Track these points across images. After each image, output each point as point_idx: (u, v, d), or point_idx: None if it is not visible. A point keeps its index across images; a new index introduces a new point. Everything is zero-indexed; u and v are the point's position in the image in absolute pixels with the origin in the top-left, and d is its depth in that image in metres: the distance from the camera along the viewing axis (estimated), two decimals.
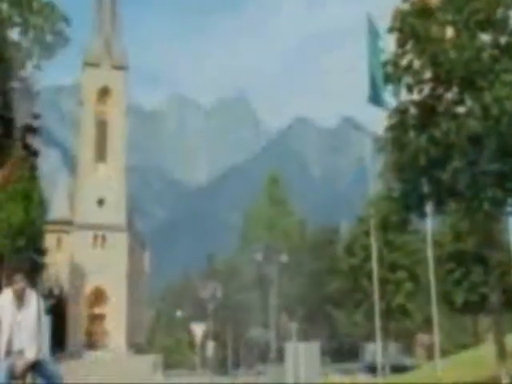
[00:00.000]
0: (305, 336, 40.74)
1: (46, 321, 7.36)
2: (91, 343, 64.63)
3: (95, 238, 67.11)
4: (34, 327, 6.98)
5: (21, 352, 6.89)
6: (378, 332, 22.51)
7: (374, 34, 21.17)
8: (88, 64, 70.76)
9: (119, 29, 73.65)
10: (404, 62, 12.46)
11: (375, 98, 21.12)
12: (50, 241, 59.14)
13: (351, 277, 41.92)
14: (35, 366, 6.93)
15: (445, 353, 66.75)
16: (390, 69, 12.23)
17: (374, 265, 21.84)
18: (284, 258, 28.25)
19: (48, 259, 51.87)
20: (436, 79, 12.27)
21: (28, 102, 52.86)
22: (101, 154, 69.68)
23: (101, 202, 67.56)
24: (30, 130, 54.37)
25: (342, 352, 64.17)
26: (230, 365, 50.91)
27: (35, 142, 54.71)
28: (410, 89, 12.37)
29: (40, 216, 33.98)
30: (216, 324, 40.74)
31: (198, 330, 33.03)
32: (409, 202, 13.21)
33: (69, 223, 67.82)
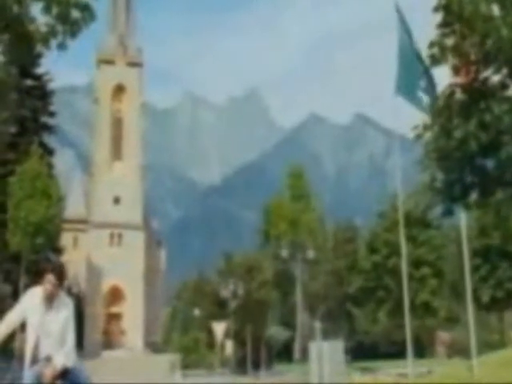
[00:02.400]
0: (325, 334, 39.97)
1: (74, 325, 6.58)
2: (108, 342, 64.25)
3: (111, 236, 66.70)
4: (63, 332, 6.23)
5: (48, 359, 6.14)
6: (408, 330, 21.58)
7: (403, 24, 20.36)
8: (102, 61, 70.31)
9: (134, 25, 73.17)
10: (450, 42, 11.61)
11: (403, 90, 20.33)
12: (66, 240, 58.86)
13: (373, 274, 41.21)
14: (64, 375, 6.19)
15: (467, 350, 65.64)
16: (435, 50, 11.39)
17: (404, 261, 20.96)
18: (311, 254, 27.41)
19: (64, 258, 51.51)
20: (485, 60, 11.42)
21: (43, 100, 52.57)
22: (116, 152, 69.25)
23: (117, 201, 67.14)
24: (46, 128, 54.22)
25: (361, 350, 63.38)
26: (250, 364, 50.27)
27: (51, 140, 54.52)
28: (456, 71, 11.52)
29: (58, 213, 33.45)
30: (236, 323, 40.12)
31: (219, 328, 32.34)
32: (453, 193, 12.39)
33: (85, 222, 67.52)
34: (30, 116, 48.93)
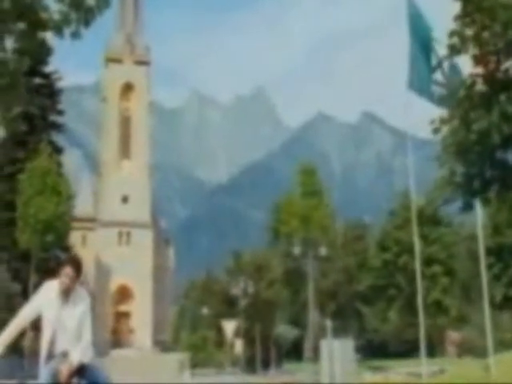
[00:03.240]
0: (334, 333, 39.66)
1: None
2: (117, 341, 64.13)
3: (120, 235, 66.60)
4: (80, 327, 5.98)
5: (64, 355, 5.89)
6: (422, 329, 21.24)
7: (415, 16, 19.98)
8: (110, 60, 70.22)
9: (141, 24, 73.06)
10: (470, 32, 11.33)
11: (416, 84, 20.00)
12: (74, 238, 58.73)
13: (384, 272, 40.90)
14: (81, 371, 5.94)
15: (477, 350, 65.23)
16: (455, 40, 11.11)
17: (417, 260, 20.63)
18: (323, 250, 27.07)
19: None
20: (507, 50, 11.14)
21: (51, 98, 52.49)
22: (125, 151, 69.15)
23: (125, 199, 67.04)
24: (54, 126, 54.16)
25: (370, 349, 63.05)
26: (259, 363, 50.01)
27: (59, 138, 54.43)
28: (477, 61, 11.24)
29: (68, 211, 33.24)
30: (245, 321, 39.90)
31: (229, 327, 32.10)
32: (473, 187, 12.11)
33: (93, 220, 67.41)
34: (38, 114, 48.85)
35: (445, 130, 13.01)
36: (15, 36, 7.60)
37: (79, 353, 5.88)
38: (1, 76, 8.06)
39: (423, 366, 23.23)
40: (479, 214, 19.25)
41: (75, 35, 7.58)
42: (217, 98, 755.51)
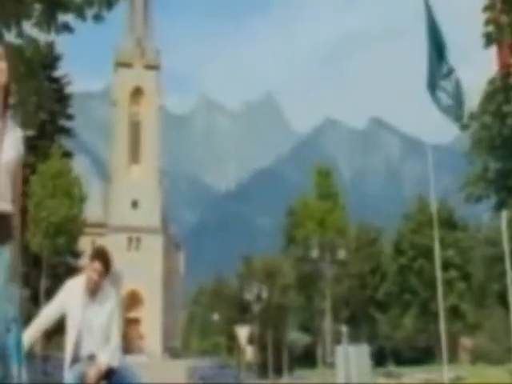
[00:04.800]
0: (347, 339, 39.08)
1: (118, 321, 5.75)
2: (127, 347, 63.59)
3: (130, 240, 66.19)
4: (108, 328, 5.46)
5: (91, 358, 5.38)
6: (443, 336, 20.62)
7: (431, 17, 19.90)
8: (120, 64, 70.01)
9: (151, 28, 72.86)
10: (506, 19, 10.82)
11: (433, 85, 19.71)
12: (84, 244, 58.25)
13: (399, 277, 40.29)
14: (109, 375, 5.42)
15: (490, 356, 64.23)
16: (490, 28, 10.63)
17: (438, 266, 20.04)
18: (342, 254, 26.47)
19: (83, 262, 50.94)
20: None
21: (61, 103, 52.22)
22: (134, 156, 68.83)
23: (135, 204, 66.67)
24: (63, 131, 53.84)
25: (383, 355, 62.37)
26: (271, 369, 49.39)
27: (68, 143, 54.09)
28: None
29: (80, 213, 32.75)
30: (257, 327, 39.34)
31: (243, 332, 31.59)
32: (508, 183, 11.56)
33: (103, 226, 67.03)
34: (48, 119, 48.51)
35: (475, 125, 12.51)
36: (34, 19, 7.15)
37: (107, 356, 5.38)
38: (16, 64, 7.58)
39: (444, 371, 22.69)
40: (504, 218, 18.62)
41: (97, 18, 7.14)
42: (226, 103, 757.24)
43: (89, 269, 5.40)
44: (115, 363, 5.41)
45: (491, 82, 10.83)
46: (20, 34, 7.33)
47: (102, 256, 5.42)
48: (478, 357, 66.58)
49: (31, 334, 5.33)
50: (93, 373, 5.27)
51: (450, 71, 18.10)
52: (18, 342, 3.25)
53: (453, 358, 63.51)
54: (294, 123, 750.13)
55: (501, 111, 10.95)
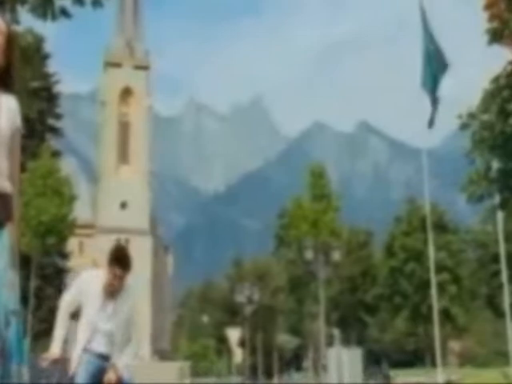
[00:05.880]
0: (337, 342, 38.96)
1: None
2: None
3: (118, 241, 65.61)
4: (124, 330, 5.18)
5: (105, 358, 5.14)
6: (437, 339, 20.41)
7: (426, 21, 20.09)
8: (109, 64, 69.46)
9: (141, 29, 72.42)
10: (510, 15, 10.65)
11: (428, 84, 19.72)
12: (72, 245, 57.71)
13: (390, 280, 40.20)
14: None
15: (478, 360, 64.14)
16: (496, 24, 10.46)
17: (432, 267, 19.83)
18: (336, 255, 26.29)
19: (71, 263, 50.45)
20: None
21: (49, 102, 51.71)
22: (123, 156, 68.30)
23: (124, 205, 66.13)
24: (52, 130, 53.30)
25: (371, 358, 62.29)
26: (261, 372, 49.14)
27: (57, 143, 53.55)
28: None
29: (70, 213, 32.32)
30: (247, 329, 39.07)
31: (234, 334, 31.32)
32: (511, 182, 11.39)
33: (91, 227, 66.42)
34: (36, 118, 47.97)
35: (475, 124, 12.36)
36: (30, 5, 6.85)
37: (123, 362, 5.17)
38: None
39: (438, 374, 22.53)
40: (500, 221, 18.50)
41: (96, 3, 6.85)
42: (214, 106, 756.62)
43: (109, 273, 5.09)
44: (131, 363, 5.21)
45: (494, 80, 10.65)
46: (15, 21, 7.03)
47: (123, 261, 5.10)
48: (465, 360, 66.72)
49: (60, 334, 5.11)
50: (114, 378, 5.09)
51: (436, 76, 18.34)
52: (19, 339, 2.94)
53: (442, 361, 63.64)
54: (282, 126, 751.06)
55: (505, 109, 10.78)
